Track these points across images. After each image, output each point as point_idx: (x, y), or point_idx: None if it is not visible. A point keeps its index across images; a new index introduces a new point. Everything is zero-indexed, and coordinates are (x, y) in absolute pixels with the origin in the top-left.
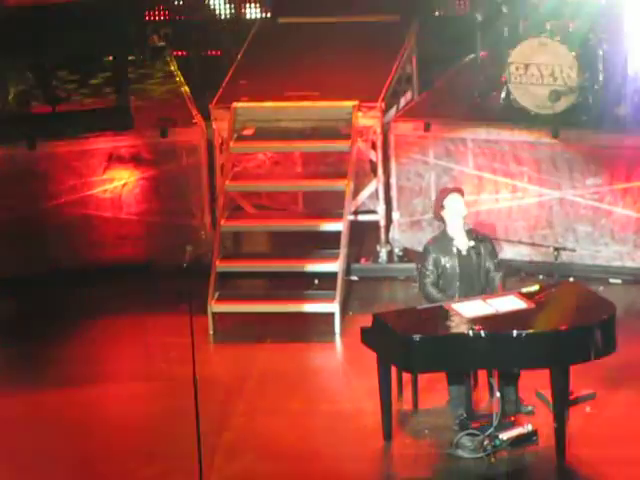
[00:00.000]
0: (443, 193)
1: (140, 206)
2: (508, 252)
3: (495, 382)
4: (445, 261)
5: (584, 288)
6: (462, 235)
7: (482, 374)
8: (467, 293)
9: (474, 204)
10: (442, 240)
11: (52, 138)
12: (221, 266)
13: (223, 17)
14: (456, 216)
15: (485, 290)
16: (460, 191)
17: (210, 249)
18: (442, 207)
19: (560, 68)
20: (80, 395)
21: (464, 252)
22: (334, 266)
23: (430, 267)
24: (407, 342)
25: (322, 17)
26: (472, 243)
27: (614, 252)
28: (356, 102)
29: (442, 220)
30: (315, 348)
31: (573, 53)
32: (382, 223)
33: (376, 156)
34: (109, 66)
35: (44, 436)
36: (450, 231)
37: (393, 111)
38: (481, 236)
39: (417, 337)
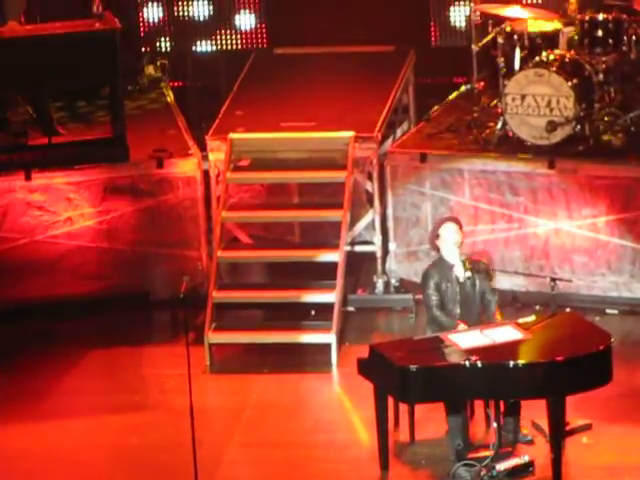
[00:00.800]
0: (438, 222)
1: (136, 237)
2: (504, 282)
3: (492, 412)
4: (445, 287)
5: (580, 318)
6: (458, 263)
7: (479, 404)
8: (466, 319)
9: (471, 234)
10: (441, 266)
11: (48, 169)
12: (218, 297)
13: (220, 48)
14: (451, 245)
15: (482, 315)
16: (455, 220)
17: (206, 280)
18: (437, 236)
19: (556, 99)
20: (75, 426)
21: (462, 279)
22: (331, 297)
23: (434, 291)
24: (404, 373)
25: (318, 47)
26: (468, 274)
27: (610, 282)
28: (352, 133)
29: (437, 249)
30: (312, 378)
31: (569, 83)
32: (379, 254)
33: (372, 187)
34: (105, 97)
35: (40, 468)
36: (446, 258)
37: (389, 142)
38: (476, 264)
39: (414, 368)
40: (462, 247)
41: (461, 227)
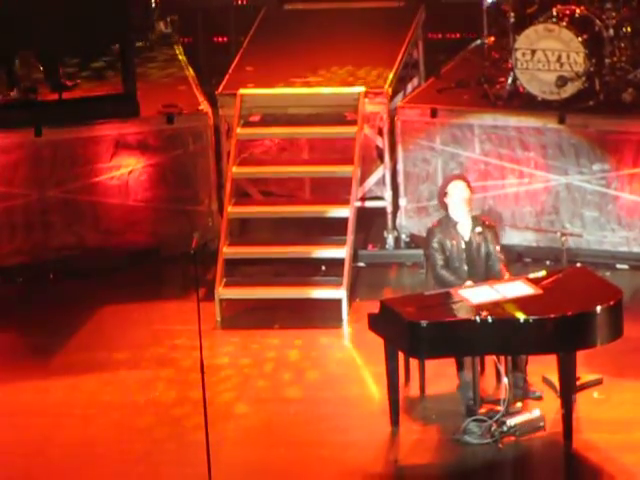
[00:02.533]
0: (446, 180)
1: (147, 193)
2: (515, 238)
3: (502, 368)
4: (450, 245)
5: (591, 273)
6: (466, 221)
7: (489, 360)
8: (473, 277)
9: (481, 190)
10: (446, 224)
11: (58, 125)
12: (228, 252)
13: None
14: (459, 203)
15: (488, 273)
16: (463, 178)
17: (217, 235)
18: (445, 194)
19: (567, 54)
20: (85, 382)
21: (466, 237)
22: (341, 252)
23: (437, 249)
24: (414, 328)
25: (328, 3)
26: (479, 229)
27: (621, 237)
28: (363, 88)
29: (446, 207)
30: (322, 334)
31: (579, 39)
32: (389, 209)
33: (383, 142)
34: (115, 54)
35: (51, 423)
36: (454, 216)
37: (400, 97)
38: (487, 222)
39: (424, 323)
40: (472, 204)
41: (469, 185)
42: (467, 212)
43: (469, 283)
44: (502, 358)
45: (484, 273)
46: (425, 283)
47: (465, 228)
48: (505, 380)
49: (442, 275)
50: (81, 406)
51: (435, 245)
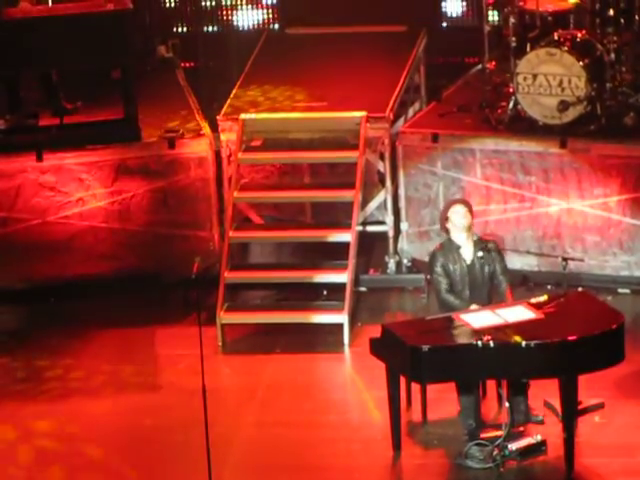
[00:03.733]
0: (447, 205)
1: (148, 218)
2: (516, 262)
3: (504, 392)
4: (453, 269)
5: (592, 298)
6: (468, 245)
7: (491, 384)
8: (476, 301)
9: (482, 214)
10: (449, 248)
11: (60, 149)
12: (230, 277)
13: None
14: (459, 228)
15: (492, 296)
16: (464, 202)
17: (218, 260)
18: (446, 219)
19: (568, 78)
20: (88, 406)
21: (469, 261)
22: (343, 277)
23: (441, 273)
24: (416, 353)
25: (330, 28)
26: (480, 253)
27: (622, 262)
28: (364, 113)
29: (448, 232)
30: (324, 359)
31: (581, 63)
32: (390, 234)
33: (384, 167)
34: (116, 78)
35: (52, 447)
36: (456, 240)
37: (401, 121)
38: (489, 244)
39: (426, 347)
40: (473, 228)
41: (471, 209)
42: (468, 237)
43: (474, 307)
44: (504, 382)
45: (488, 295)
46: (426, 307)
47: (467, 251)
48: (507, 404)
49: (447, 299)
50: (83, 431)
51: (438, 269)
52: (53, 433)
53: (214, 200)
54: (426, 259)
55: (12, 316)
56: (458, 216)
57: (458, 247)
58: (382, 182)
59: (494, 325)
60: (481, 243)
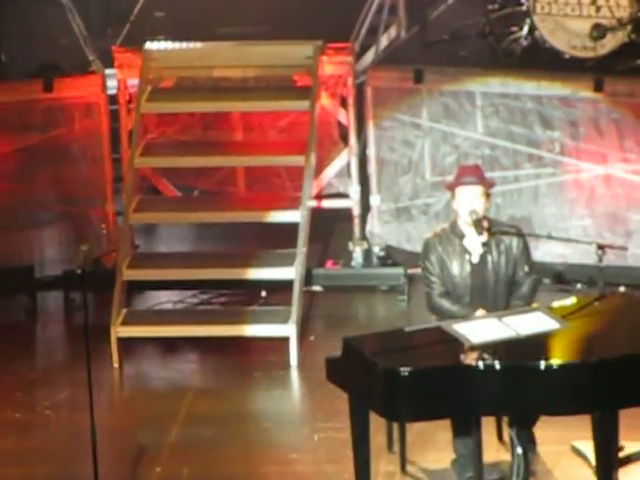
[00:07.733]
0: (456, 177)
1: (16, 188)
2: (534, 251)
3: (515, 434)
4: (452, 265)
5: (638, 302)
6: (478, 235)
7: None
8: (480, 308)
9: None
10: (450, 236)
11: None
12: (130, 274)
13: None
14: (464, 216)
15: (508, 306)
16: (478, 179)
17: (114, 249)
18: (453, 195)
19: None
20: None
21: (475, 257)
22: (289, 272)
23: (435, 270)
24: (391, 378)
25: None
26: (495, 248)
27: None
28: (319, 42)
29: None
30: (262, 386)
31: None
32: (356, 211)
33: (347, 117)
34: None
35: None
36: (462, 225)
37: (371, 54)
38: (512, 232)
39: (405, 371)
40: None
41: (487, 189)
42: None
43: (480, 313)
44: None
45: (494, 301)
46: (406, 314)
47: (475, 244)
48: (519, 450)
49: (440, 304)
50: None
51: (432, 265)
52: None
53: (108, 164)
54: (407, 247)
55: None
56: (465, 199)
57: (463, 236)
58: (344, 139)
59: (501, 339)
60: (499, 233)
